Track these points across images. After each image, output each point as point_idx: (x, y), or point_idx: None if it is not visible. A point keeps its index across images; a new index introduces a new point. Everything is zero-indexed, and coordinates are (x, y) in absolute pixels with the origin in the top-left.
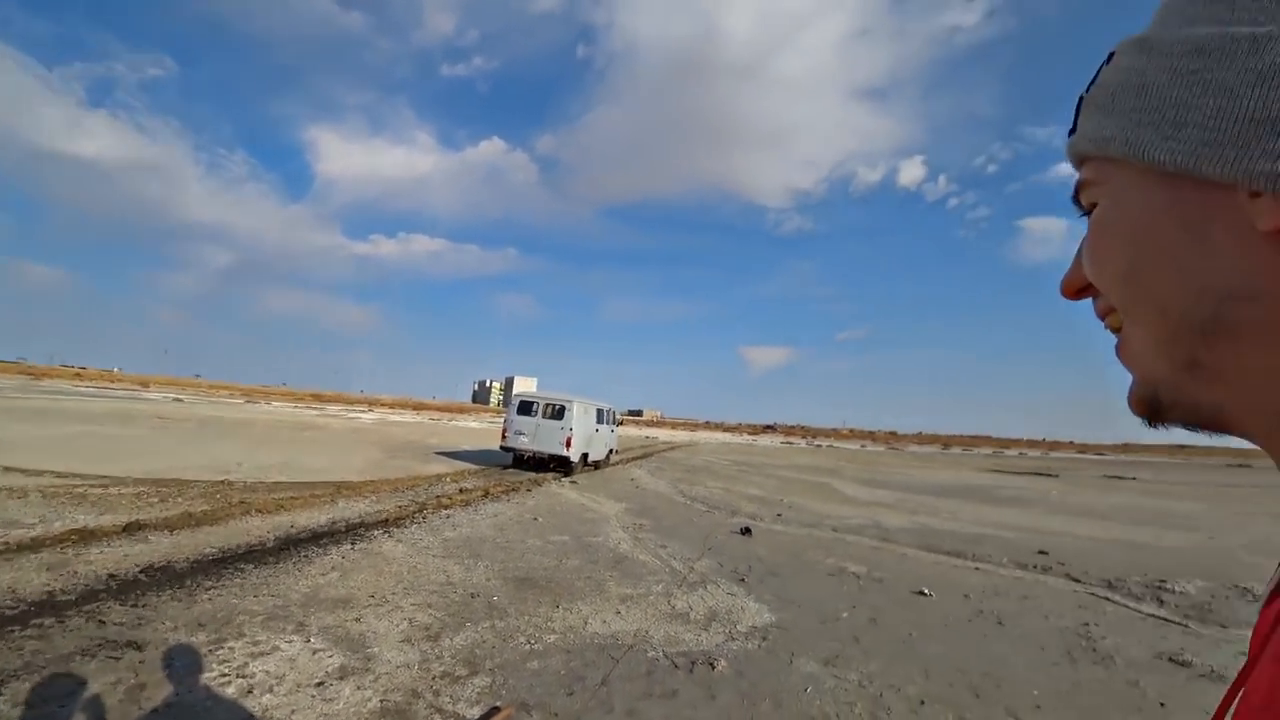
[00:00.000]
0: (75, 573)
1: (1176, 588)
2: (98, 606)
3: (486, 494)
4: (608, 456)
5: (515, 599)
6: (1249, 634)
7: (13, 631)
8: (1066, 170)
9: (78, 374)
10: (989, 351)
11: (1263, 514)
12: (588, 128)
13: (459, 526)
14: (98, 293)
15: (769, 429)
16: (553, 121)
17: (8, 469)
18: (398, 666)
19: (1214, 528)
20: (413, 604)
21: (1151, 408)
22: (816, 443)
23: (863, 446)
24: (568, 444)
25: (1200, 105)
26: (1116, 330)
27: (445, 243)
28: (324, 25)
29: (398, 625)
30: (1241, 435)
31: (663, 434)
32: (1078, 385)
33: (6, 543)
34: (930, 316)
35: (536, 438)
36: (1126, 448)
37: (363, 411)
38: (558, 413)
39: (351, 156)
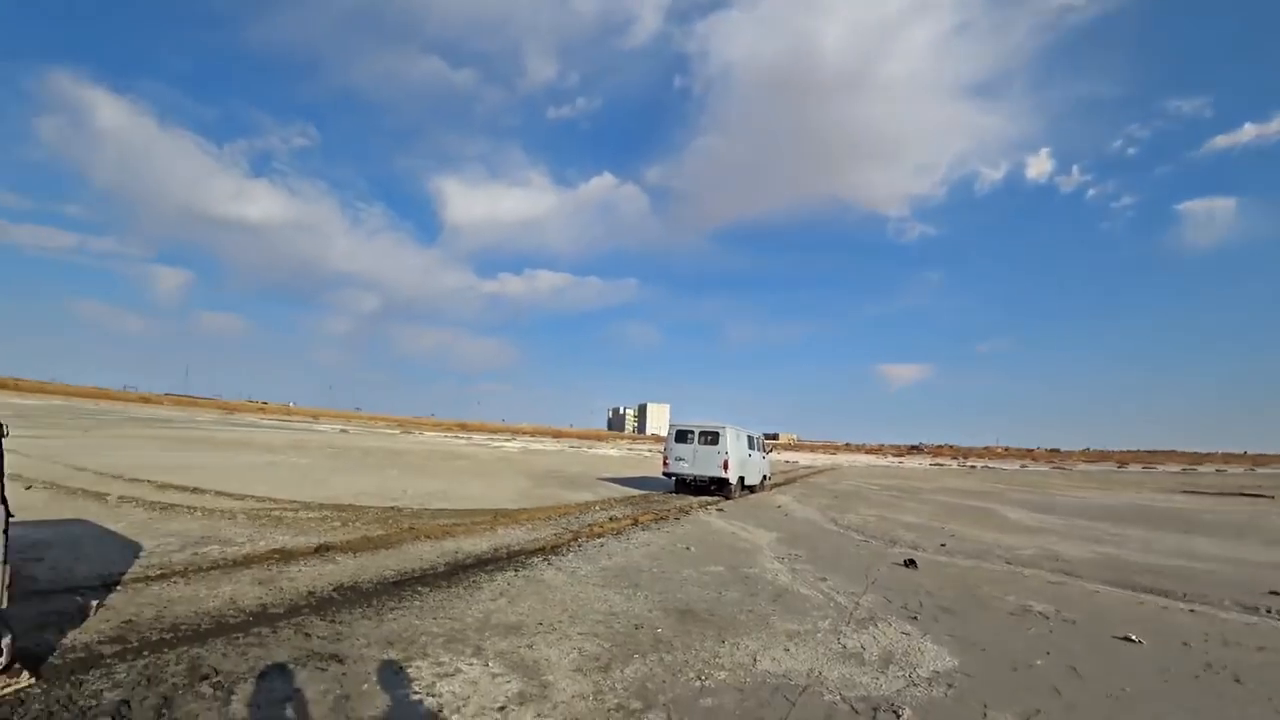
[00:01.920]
0: (281, 588)
1: None
2: (302, 620)
3: (636, 522)
4: (762, 482)
5: (679, 631)
6: None
7: (238, 638)
8: (1225, 142)
9: (261, 408)
10: (1163, 356)
11: None
12: (693, 155)
13: (614, 555)
14: (270, 337)
15: (915, 449)
16: (659, 152)
17: (219, 494)
18: (573, 696)
19: None
20: (580, 633)
21: None
22: (969, 463)
23: (1023, 466)
24: (725, 467)
25: None
26: None
27: (568, 277)
28: (438, 84)
29: (568, 654)
30: None
31: (802, 457)
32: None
33: (225, 558)
34: (1082, 320)
35: (695, 463)
36: None
37: (506, 440)
38: (712, 439)
39: (474, 202)
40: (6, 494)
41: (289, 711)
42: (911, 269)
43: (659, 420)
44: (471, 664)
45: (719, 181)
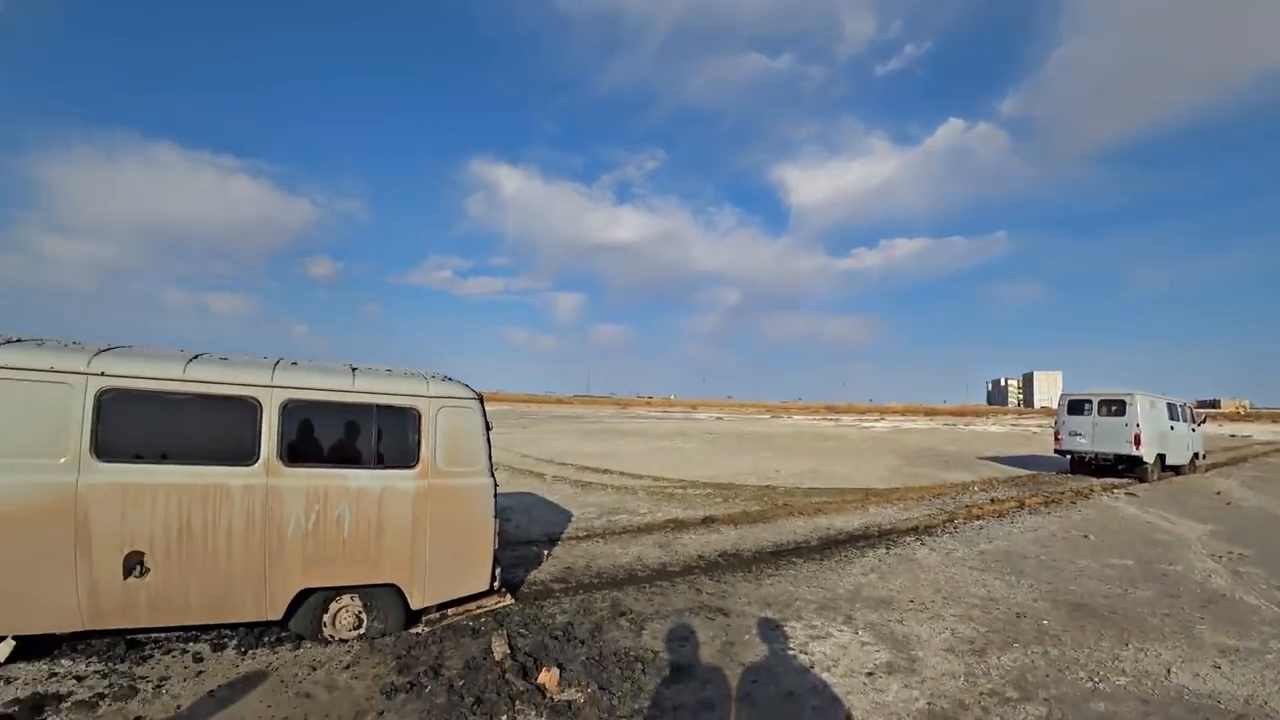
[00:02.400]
0: (676, 551)
1: None
2: (694, 578)
3: (1021, 505)
4: (1192, 461)
5: (1069, 626)
6: None
7: (645, 587)
8: None
9: (647, 401)
10: None
11: None
12: (1055, 71)
13: (994, 539)
14: (650, 338)
15: None
16: (1010, 79)
17: (623, 474)
18: (943, 674)
19: None
20: (953, 614)
21: None
22: None
23: None
24: (1137, 442)
25: None
26: None
27: (926, 241)
28: (761, 77)
29: (939, 633)
30: None
31: (1258, 430)
32: None
33: (632, 524)
34: None
35: (1095, 437)
36: None
37: (874, 420)
38: (1117, 409)
39: (816, 183)
40: (495, 471)
41: (686, 648)
42: None
43: (1048, 390)
44: (842, 630)
45: (1094, 93)
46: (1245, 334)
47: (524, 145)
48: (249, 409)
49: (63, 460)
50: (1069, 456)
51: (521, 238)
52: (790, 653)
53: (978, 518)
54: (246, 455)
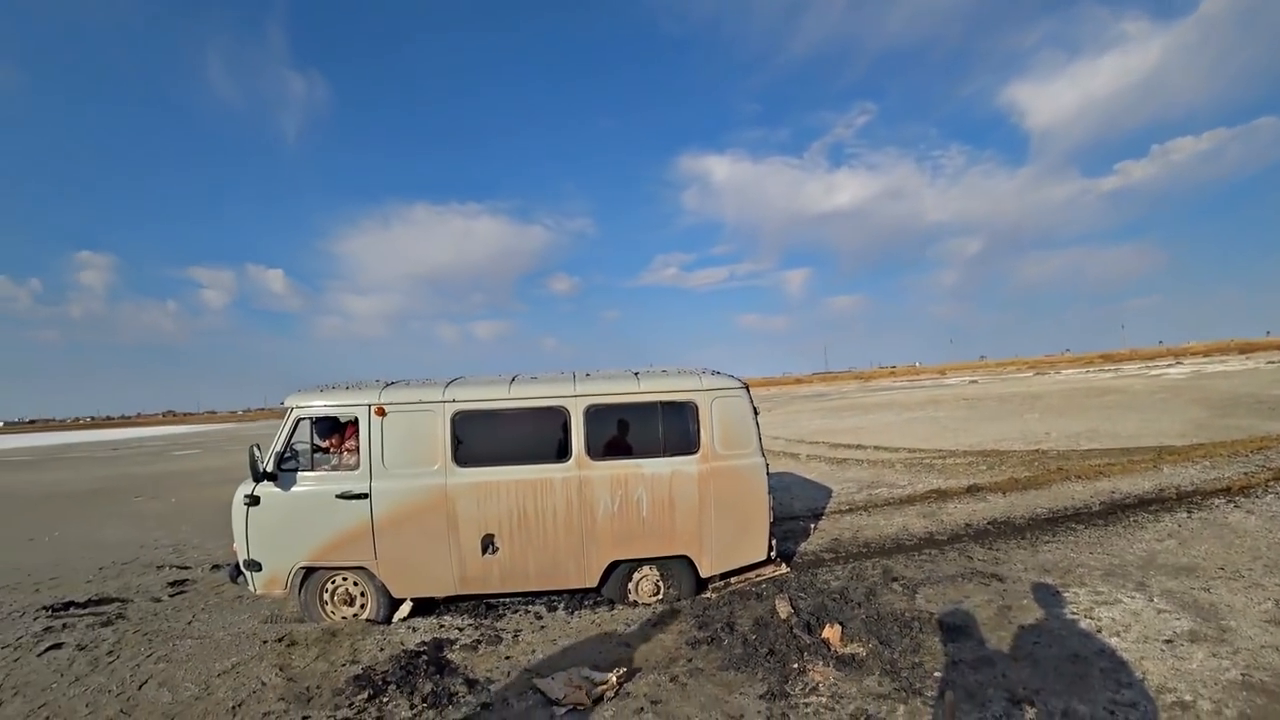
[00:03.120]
0: (941, 520)
1: None
2: (963, 546)
3: None
4: None
5: None
6: None
7: (914, 555)
8: None
9: (891, 372)
10: None
11: None
12: None
13: None
14: (886, 304)
15: None
16: None
17: (876, 448)
18: (1262, 646)
19: None
20: (1277, 583)
21: None
22: None
23: None
24: None
25: None
26: None
27: (1220, 132)
28: None
29: (1259, 604)
30: None
31: None
32: None
33: (893, 497)
34: None
35: None
36: None
37: (1168, 366)
38: None
39: (1057, 93)
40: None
41: (961, 610)
42: None
43: None
44: (1134, 597)
45: None
46: None
47: (727, 131)
48: (560, 415)
49: (436, 467)
50: None
51: (740, 223)
52: (1073, 618)
53: None
54: (562, 453)
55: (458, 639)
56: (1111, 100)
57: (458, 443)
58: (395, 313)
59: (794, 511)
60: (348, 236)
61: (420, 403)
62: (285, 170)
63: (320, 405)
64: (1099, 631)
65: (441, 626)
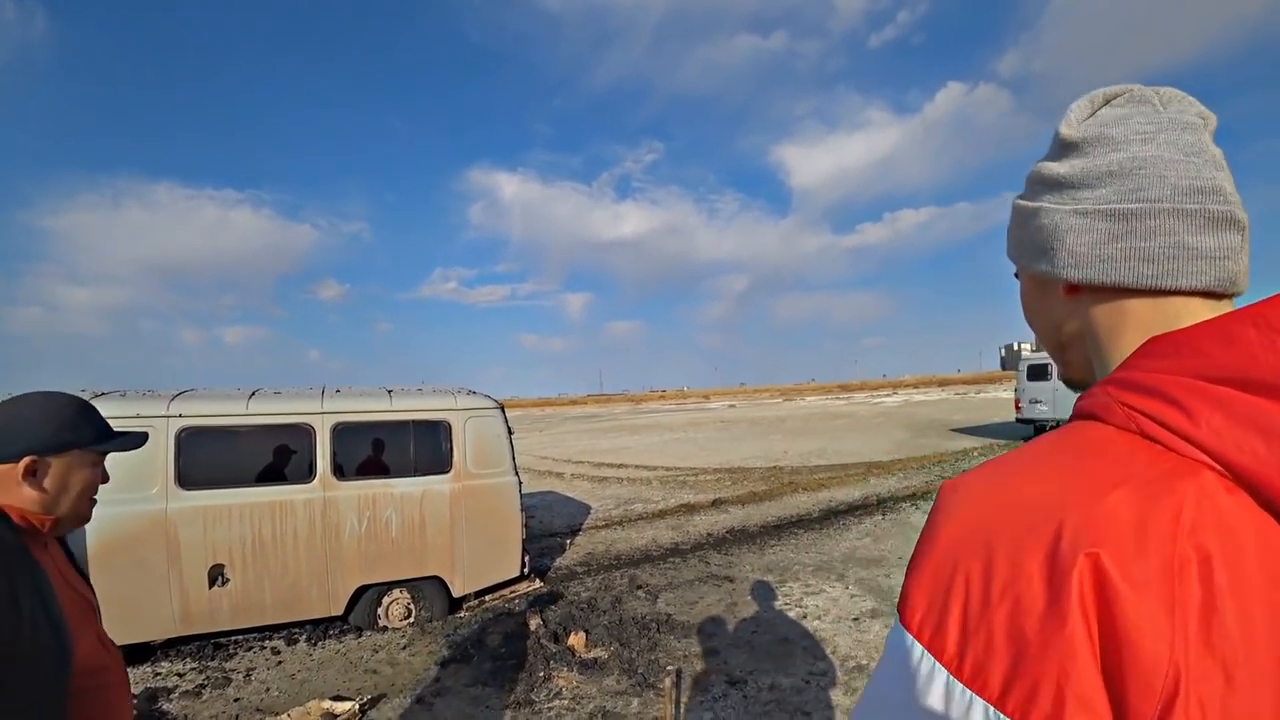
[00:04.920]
0: (687, 532)
1: None
2: (703, 554)
3: None
4: None
5: None
6: None
7: (659, 564)
8: None
9: (661, 395)
10: None
11: None
12: (1053, 22)
13: None
14: (660, 332)
15: None
16: (1007, 37)
17: (638, 466)
18: None
19: None
20: None
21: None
22: None
23: None
24: None
25: (1028, 241)
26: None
27: (933, 209)
28: (755, 58)
29: None
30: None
31: None
32: None
33: (647, 511)
34: None
35: (1057, 404)
36: None
37: (886, 395)
38: None
39: (817, 160)
40: (518, 472)
41: (695, 610)
42: None
43: None
44: (834, 586)
45: (1094, 41)
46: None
47: (521, 150)
48: (305, 433)
49: (154, 490)
50: (1032, 425)
51: (525, 242)
52: (785, 608)
53: None
54: (306, 474)
55: (176, 686)
56: (858, 171)
57: (183, 463)
58: (123, 308)
59: (554, 529)
60: (63, 211)
61: (138, 418)
62: None
63: None
64: (804, 617)
65: (157, 675)
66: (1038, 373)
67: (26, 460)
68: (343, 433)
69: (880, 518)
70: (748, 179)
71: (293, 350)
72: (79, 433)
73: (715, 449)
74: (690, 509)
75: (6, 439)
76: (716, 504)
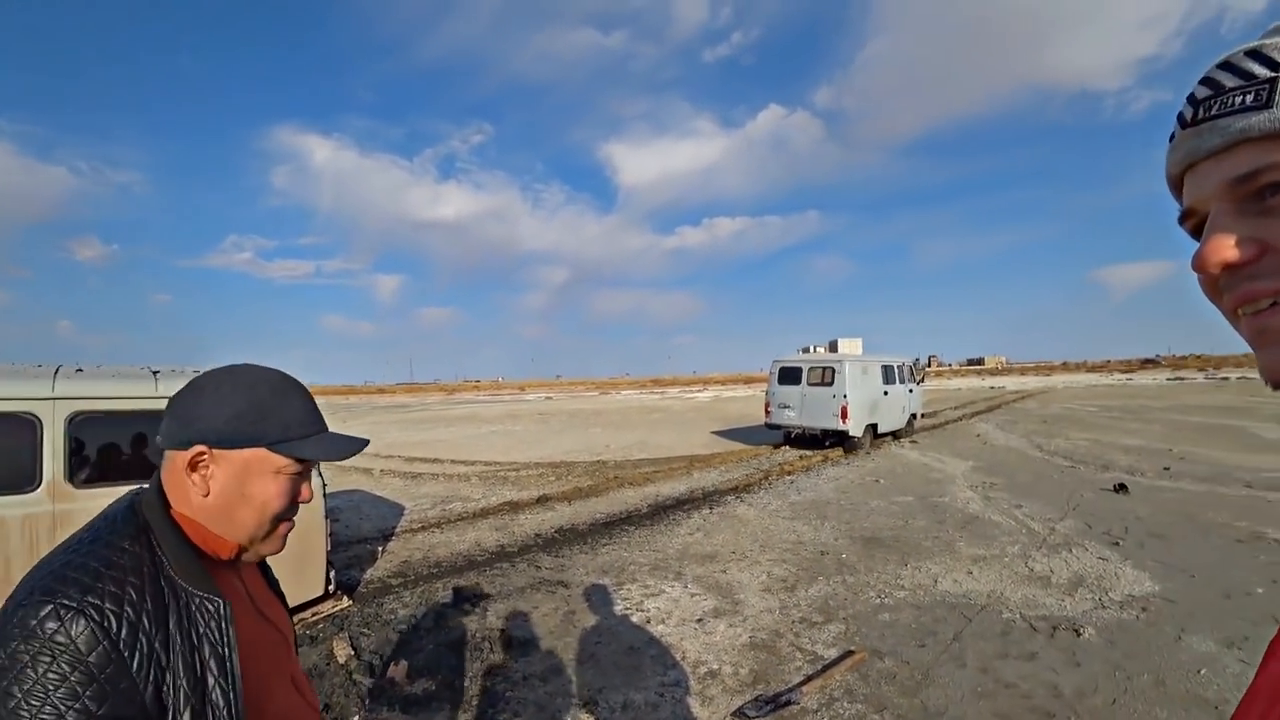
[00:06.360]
0: (513, 532)
1: None
2: (533, 556)
3: (826, 459)
4: (910, 423)
5: (863, 556)
6: None
7: (485, 571)
8: None
9: (475, 386)
10: None
11: None
12: (864, 66)
13: (803, 491)
14: (477, 320)
15: (1149, 363)
16: (825, 71)
17: (454, 461)
18: (761, 611)
19: None
20: (769, 559)
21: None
22: (1221, 375)
23: None
24: (844, 415)
25: None
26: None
27: (746, 220)
28: (593, 53)
29: (758, 577)
30: None
31: (1010, 382)
32: None
33: (467, 511)
34: None
35: (804, 410)
36: None
37: (698, 391)
38: (827, 378)
39: (644, 162)
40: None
41: (530, 622)
42: (1138, 148)
43: (851, 354)
44: (673, 586)
45: (895, 90)
46: (1003, 299)
47: (337, 113)
48: (24, 426)
49: None
50: (783, 432)
51: (335, 215)
52: (627, 612)
53: (789, 473)
54: (25, 480)
55: None
56: (682, 177)
57: None
58: None
59: (362, 534)
60: None
61: None
62: None
63: None
64: (648, 622)
65: None
66: (789, 375)
67: (194, 451)
68: (84, 425)
69: (708, 511)
70: (575, 172)
71: (36, 319)
72: (262, 426)
73: (535, 442)
74: (514, 507)
75: (188, 418)
76: (542, 501)
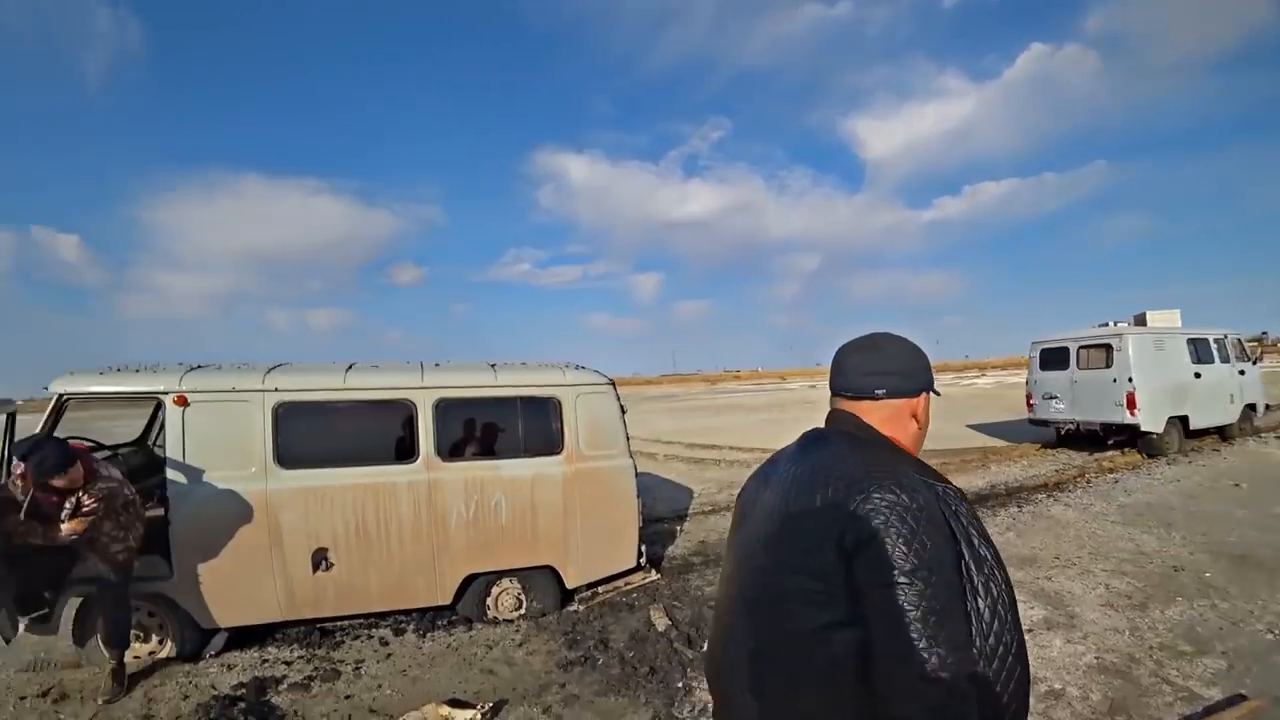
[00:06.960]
0: None
1: None
2: None
3: (1158, 458)
4: (1246, 416)
5: (1234, 578)
6: None
7: None
8: None
9: (735, 376)
10: None
11: None
12: None
13: (1133, 492)
14: (731, 311)
15: None
16: None
17: (732, 448)
18: (1106, 629)
19: None
20: (1104, 570)
21: None
22: None
23: None
24: (1130, 404)
25: None
26: None
27: (1015, 181)
28: (822, 26)
29: (1093, 589)
30: None
31: None
32: None
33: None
34: None
35: (1075, 401)
36: None
37: (976, 376)
38: (1105, 359)
39: (890, 132)
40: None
41: None
42: None
43: None
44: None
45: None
46: None
47: (586, 130)
48: (405, 409)
49: (253, 470)
50: (1053, 428)
51: (595, 223)
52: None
53: (1111, 471)
54: (408, 453)
55: (285, 676)
56: (934, 142)
57: (281, 440)
58: (221, 294)
59: (658, 513)
60: (162, 204)
61: (234, 391)
62: (85, 119)
63: (100, 391)
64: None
65: (265, 661)
66: (1054, 359)
67: (924, 396)
68: (446, 409)
69: (1017, 510)
70: (817, 154)
71: (374, 331)
72: (931, 374)
73: (803, 430)
74: None
75: (911, 371)
76: None
